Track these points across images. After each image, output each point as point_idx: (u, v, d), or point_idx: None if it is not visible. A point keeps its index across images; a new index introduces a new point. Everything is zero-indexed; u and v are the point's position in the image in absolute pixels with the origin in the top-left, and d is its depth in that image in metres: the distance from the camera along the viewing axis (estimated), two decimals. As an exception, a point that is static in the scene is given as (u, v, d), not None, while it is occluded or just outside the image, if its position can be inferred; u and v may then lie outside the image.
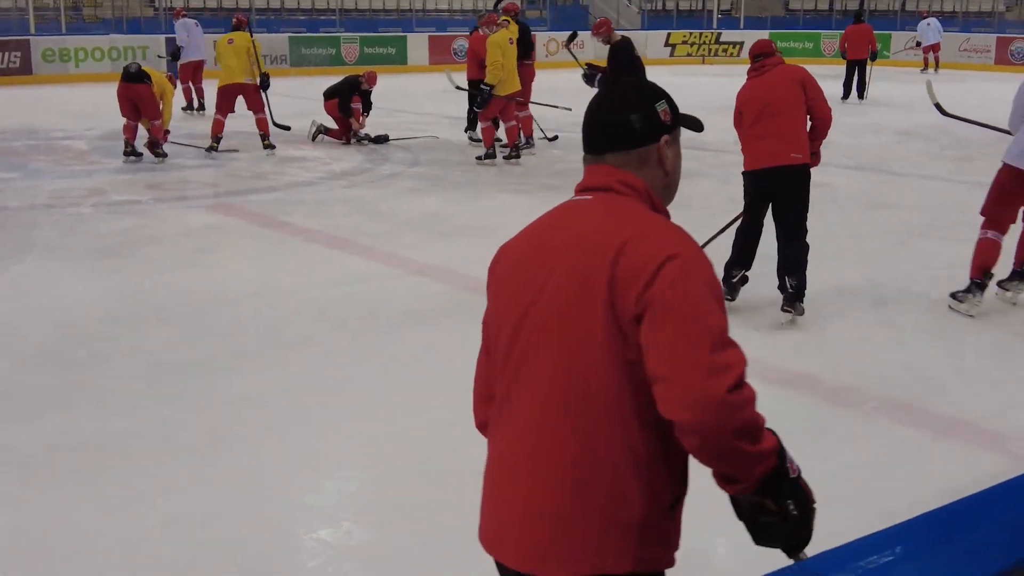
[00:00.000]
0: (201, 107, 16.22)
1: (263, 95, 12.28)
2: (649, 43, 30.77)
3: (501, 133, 11.90)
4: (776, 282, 5.75)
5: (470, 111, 13.30)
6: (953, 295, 6.03)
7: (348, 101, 13.02)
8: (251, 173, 11.19)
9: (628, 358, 1.74)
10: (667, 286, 1.72)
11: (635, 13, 32.85)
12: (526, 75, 12.26)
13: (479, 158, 11.64)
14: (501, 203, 9.58)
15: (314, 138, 13.30)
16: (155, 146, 11.45)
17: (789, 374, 4.42)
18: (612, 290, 1.75)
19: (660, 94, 2.02)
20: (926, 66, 26.50)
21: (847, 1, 34.39)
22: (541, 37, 29.73)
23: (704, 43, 32.25)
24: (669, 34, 31.45)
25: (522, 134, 12.06)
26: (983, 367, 5.25)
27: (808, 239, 5.73)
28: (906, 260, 7.37)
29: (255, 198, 9.83)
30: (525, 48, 12.46)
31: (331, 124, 13.34)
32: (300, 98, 18.09)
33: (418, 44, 26.42)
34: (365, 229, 8.41)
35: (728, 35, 32.54)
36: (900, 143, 13.60)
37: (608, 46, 10.62)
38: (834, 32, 31.94)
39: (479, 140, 13.14)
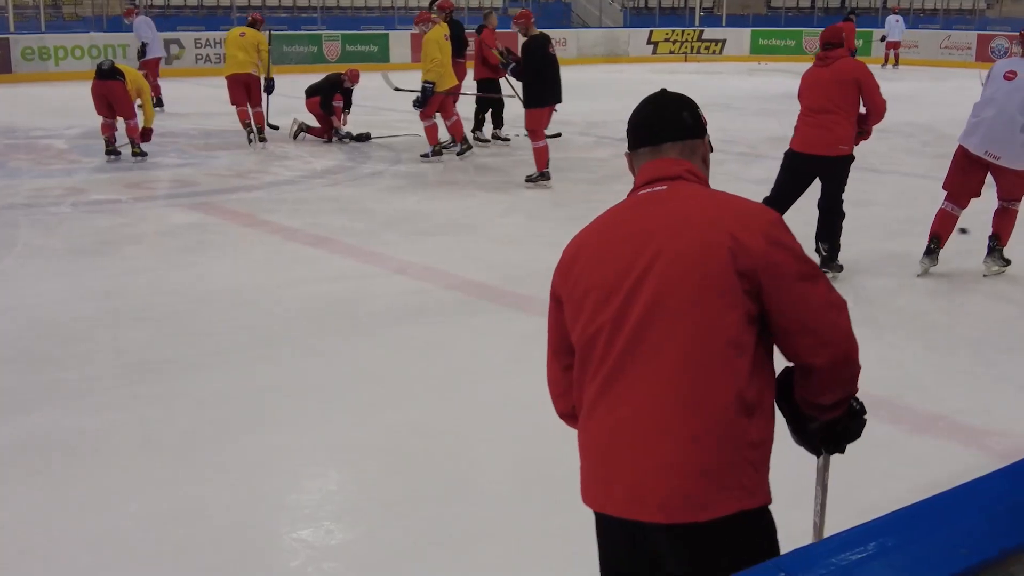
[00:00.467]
0: (159, 103, 15.97)
1: (265, 96, 12.55)
2: (632, 41, 30.85)
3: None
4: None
5: (477, 112, 13.33)
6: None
7: (330, 99, 13.00)
8: (232, 172, 11.15)
9: (748, 320, 1.97)
10: (782, 252, 1.99)
11: (617, 11, 32.88)
12: (459, 73, 12.50)
13: (424, 156, 11.78)
14: (481, 201, 9.59)
15: (296, 136, 13.27)
16: (137, 143, 11.40)
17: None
18: (735, 261, 1.96)
19: (695, 103, 2.28)
20: (886, 61, 26.86)
21: (829, -1, 34.56)
22: (523, 35, 29.77)
23: (686, 41, 32.30)
24: (651, 32, 31.50)
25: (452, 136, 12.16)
26: (961, 363, 5.27)
27: (798, 235, 5.76)
28: (885, 257, 7.40)
29: (236, 197, 9.80)
30: (459, 46, 12.62)
31: (313, 122, 13.30)
32: (282, 96, 18.03)
33: (400, 42, 26.34)
34: (346, 227, 8.40)
35: (710, 33, 32.60)
36: (879, 140, 13.58)
37: (524, 38, 10.68)
38: (815, 29, 32.08)
39: (486, 141, 13.21)
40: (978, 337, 5.66)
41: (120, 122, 11.34)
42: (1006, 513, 1.66)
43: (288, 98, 14.89)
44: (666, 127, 2.20)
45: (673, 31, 32.50)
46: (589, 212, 8.58)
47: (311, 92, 13.26)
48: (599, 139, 13.63)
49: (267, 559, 3.47)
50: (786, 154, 6.80)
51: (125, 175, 10.78)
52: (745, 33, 32.48)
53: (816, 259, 6.35)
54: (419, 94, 11.48)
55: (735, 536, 1.97)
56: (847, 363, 2.04)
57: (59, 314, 6.03)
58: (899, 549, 1.62)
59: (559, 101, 10.71)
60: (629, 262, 2.05)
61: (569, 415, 2.25)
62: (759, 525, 2.03)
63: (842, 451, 2.26)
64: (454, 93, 11.75)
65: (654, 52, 31.00)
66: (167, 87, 16.78)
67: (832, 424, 2.19)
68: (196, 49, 24.14)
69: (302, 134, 13.27)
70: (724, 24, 33.57)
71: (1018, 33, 7.67)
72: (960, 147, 6.89)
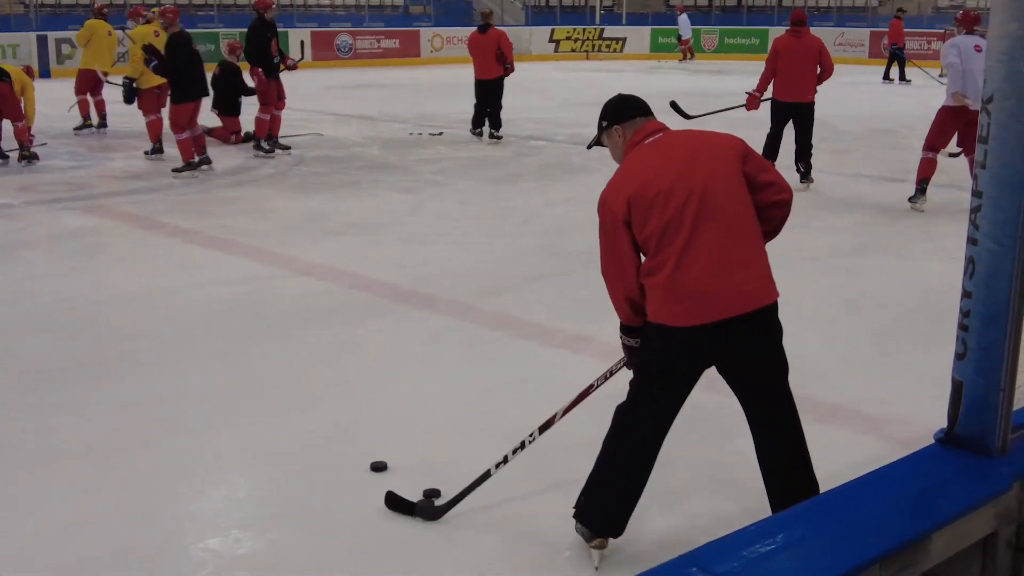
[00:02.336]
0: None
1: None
2: (534, 39, 30.97)
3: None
4: None
5: (478, 108, 13.27)
6: (909, 199, 9.05)
7: (232, 100, 12.77)
8: (127, 173, 10.88)
9: (747, 191, 3.20)
10: (752, 152, 3.29)
11: (519, 9, 33.00)
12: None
13: (145, 153, 11.83)
14: (387, 201, 9.52)
15: None
16: (26, 145, 11.06)
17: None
18: (741, 161, 3.21)
19: None
20: (684, 57, 27.85)
21: (725, -2, 35.17)
22: (425, 33, 29.77)
23: (588, 39, 32.58)
24: (553, 30, 31.70)
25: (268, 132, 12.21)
26: (862, 354, 5.40)
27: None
28: (787, 250, 7.52)
29: (133, 199, 9.57)
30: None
31: (212, 122, 13.02)
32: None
33: (300, 40, 26.01)
34: (248, 229, 8.26)
35: (611, 31, 32.93)
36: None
37: (168, 34, 10.82)
38: (712, 28, 32.64)
39: (493, 137, 13.22)
40: (878, 328, 5.80)
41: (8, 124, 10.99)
42: (908, 502, 1.71)
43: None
44: (640, 103, 3.42)
45: (574, 29, 32.74)
46: (497, 211, 8.61)
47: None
48: (505, 138, 13.64)
49: (174, 570, 3.39)
50: (773, 103, 10.04)
51: (16, 178, 10.46)
52: (645, 31, 32.88)
53: (796, 177, 9.83)
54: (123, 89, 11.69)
55: (775, 309, 3.24)
56: (791, 196, 3.32)
57: (-51, 324, 5.81)
58: (807, 540, 1.65)
59: (206, 95, 11.17)
60: (678, 173, 3.13)
61: (635, 296, 3.22)
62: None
63: None
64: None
65: (556, 50, 31.20)
66: (60, 87, 16.29)
67: None
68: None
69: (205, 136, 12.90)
70: (624, 22, 33.92)
71: (954, 19, 9.63)
72: (945, 109, 8.86)
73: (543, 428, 3.65)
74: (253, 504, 3.88)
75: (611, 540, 3.37)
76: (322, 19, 29.80)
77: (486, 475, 3.65)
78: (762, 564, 1.50)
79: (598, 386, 3.60)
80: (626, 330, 3.34)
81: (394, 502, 3.68)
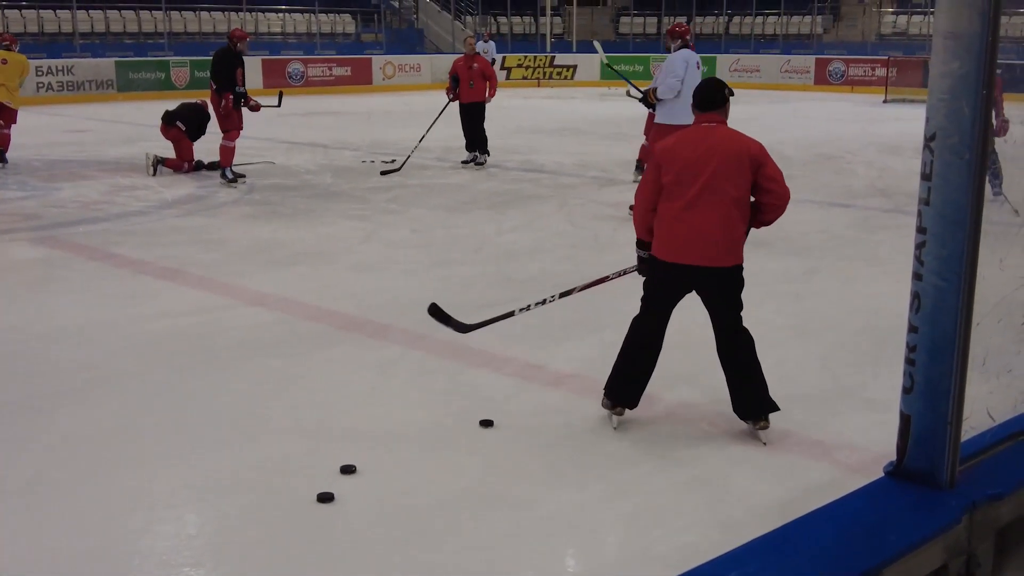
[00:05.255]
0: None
1: None
2: (485, 66, 31.05)
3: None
4: None
5: (469, 134, 13.50)
6: None
7: (198, 130, 12.78)
8: (77, 203, 10.75)
9: (747, 189, 4.34)
10: (767, 158, 4.35)
11: (469, 35, 33.12)
12: None
13: None
14: (340, 229, 9.48)
15: (155, 172, 12.62)
16: None
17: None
18: (753, 162, 4.31)
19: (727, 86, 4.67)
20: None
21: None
22: (377, 60, 29.81)
23: (539, 66, 32.80)
24: (504, 57, 31.84)
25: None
26: (809, 378, 5.45)
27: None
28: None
29: (82, 229, 9.45)
30: None
31: (166, 152, 12.90)
32: (129, 124, 17.56)
33: (251, 67, 25.90)
34: (198, 259, 8.19)
35: (561, 59, 33.18)
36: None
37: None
38: (663, 55, 33.00)
39: (481, 164, 13.44)
40: (825, 352, 5.86)
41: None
42: (859, 537, 1.72)
43: (135, 126, 14.50)
44: (718, 98, 4.50)
45: (526, 57, 32.97)
46: (448, 240, 8.61)
47: (168, 119, 12.83)
48: (455, 165, 13.67)
49: (121, 610, 3.32)
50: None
51: (-40, 209, 10.29)
52: (595, 58, 33.14)
53: None
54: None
55: (735, 273, 4.46)
56: (786, 203, 4.42)
57: None
58: None
59: None
60: (702, 152, 4.32)
61: (650, 217, 4.48)
62: (741, 271, 4.50)
63: None
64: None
65: (508, 77, 31.34)
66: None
67: None
68: (37, 77, 23.29)
69: (160, 167, 12.72)
70: (575, 50, 34.20)
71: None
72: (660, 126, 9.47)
73: (563, 294, 5.04)
74: (204, 540, 3.83)
75: (628, 411, 4.64)
76: (274, 47, 29.74)
77: (510, 313, 4.93)
78: (716, 602, 1.51)
79: (613, 278, 5.00)
80: (639, 244, 4.62)
81: (435, 312, 5.09)
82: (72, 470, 4.29)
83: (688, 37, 9.68)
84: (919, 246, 2.00)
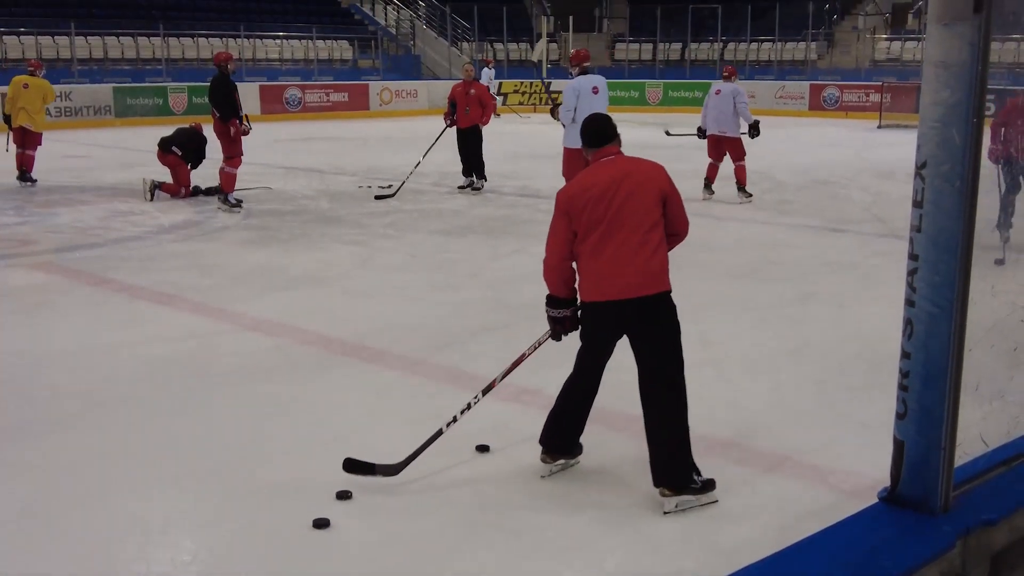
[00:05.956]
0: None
1: None
2: (481, 92, 31.16)
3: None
4: None
5: (466, 159, 13.53)
6: None
7: (197, 155, 12.82)
8: (74, 229, 10.76)
9: (661, 214, 4.11)
10: (674, 188, 4.18)
11: (467, 62, 33.27)
12: None
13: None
14: (335, 255, 9.50)
15: (152, 197, 12.67)
16: None
17: (622, 416, 4.51)
18: (659, 190, 4.12)
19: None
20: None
21: (669, 52, 35.74)
22: (374, 86, 29.92)
23: (535, 92, 32.93)
24: (500, 83, 31.97)
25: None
26: (805, 403, 5.45)
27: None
28: (729, 300, 7.64)
29: (79, 255, 9.46)
30: None
31: (163, 177, 12.92)
32: (126, 149, 17.60)
33: (249, 94, 26.03)
34: (195, 284, 8.19)
35: (558, 84, 33.27)
36: (720, 188, 14.14)
37: None
38: (657, 81, 33.15)
39: (478, 189, 13.48)
40: (821, 377, 5.87)
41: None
42: (855, 563, 1.72)
43: (133, 152, 14.53)
44: (610, 133, 4.30)
45: (522, 83, 33.11)
46: (445, 264, 8.61)
47: (165, 145, 12.87)
48: (452, 190, 13.70)
49: (116, 637, 3.31)
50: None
51: (-42, 234, 10.30)
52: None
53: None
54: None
55: (664, 300, 4.11)
56: (687, 230, 4.28)
57: None
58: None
59: None
60: (613, 184, 4.08)
61: (565, 269, 4.20)
62: (669, 296, 4.15)
63: None
64: None
65: (504, 103, 31.45)
66: (5, 141, 16.14)
67: None
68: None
69: (156, 191, 12.75)
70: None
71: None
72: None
73: (486, 391, 4.50)
74: (198, 566, 3.82)
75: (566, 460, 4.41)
76: (271, 73, 29.86)
77: (438, 433, 4.35)
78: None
79: (529, 355, 4.49)
80: (550, 301, 4.29)
81: (354, 465, 4.26)
82: (66, 495, 4.28)
83: (586, 63, 10.73)
84: (911, 272, 2.02)
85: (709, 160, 12.88)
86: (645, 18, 35.71)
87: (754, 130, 12.76)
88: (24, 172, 13.95)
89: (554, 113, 11.34)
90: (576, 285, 4.22)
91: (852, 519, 1.92)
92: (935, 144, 1.98)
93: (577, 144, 9.58)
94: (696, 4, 34.37)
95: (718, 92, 12.81)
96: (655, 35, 35.43)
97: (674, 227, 4.18)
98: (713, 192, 12.82)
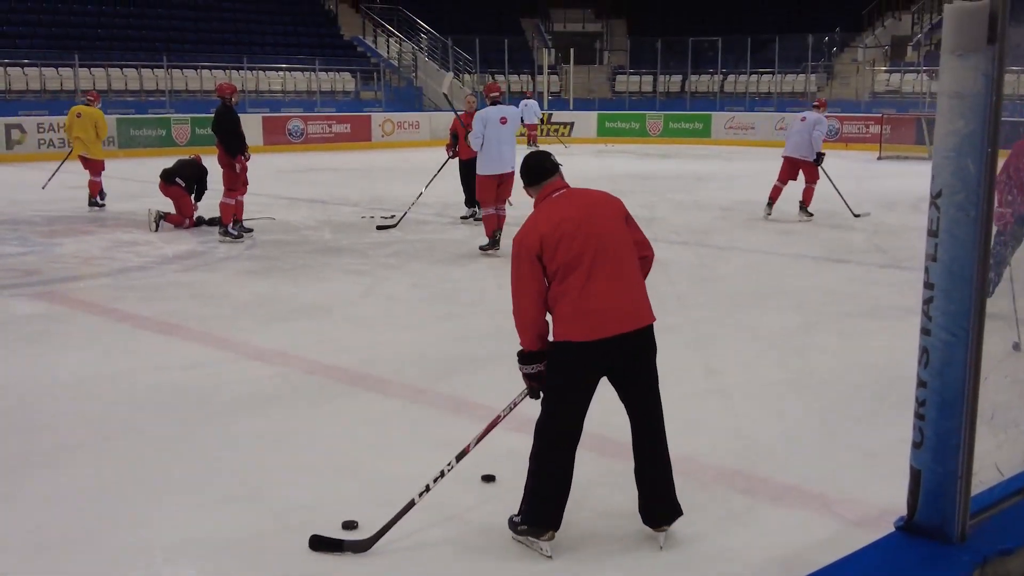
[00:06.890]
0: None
1: None
2: (483, 123, 31.28)
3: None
4: None
5: (468, 190, 13.51)
6: None
7: (200, 186, 12.89)
8: (78, 259, 10.77)
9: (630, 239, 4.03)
10: (629, 215, 4.11)
11: (469, 93, 33.41)
12: None
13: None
14: (339, 285, 9.50)
15: (157, 227, 12.65)
16: None
17: (626, 447, 4.49)
18: (624, 219, 4.05)
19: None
20: (529, 143, 25.98)
21: (669, 84, 35.90)
22: (376, 118, 30.04)
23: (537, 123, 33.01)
24: (550, 114, 32.17)
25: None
26: (810, 432, 5.44)
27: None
28: (734, 329, 7.64)
29: (83, 284, 9.46)
30: None
31: (167, 208, 12.94)
32: (130, 180, 17.66)
33: (252, 125, 26.14)
34: (198, 313, 8.19)
35: (559, 116, 33.46)
36: (722, 218, 14.18)
37: None
38: (658, 113, 33.28)
39: (480, 219, 13.35)
40: (826, 406, 5.86)
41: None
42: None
43: (137, 183, 14.58)
44: (552, 167, 4.17)
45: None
46: (448, 294, 8.62)
47: (167, 176, 12.90)
48: (454, 220, 13.73)
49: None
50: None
51: (-40, 264, 10.30)
52: (592, 116, 33.44)
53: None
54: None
55: (651, 332, 3.97)
56: (653, 252, 4.19)
57: None
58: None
59: None
60: (581, 218, 3.91)
61: (542, 324, 4.01)
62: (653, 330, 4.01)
63: None
64: None
65: (546, 135, 31.55)
66: (8, 172, 16.23)
67: None
68: (39, 134, 23.53)
69: (161, 221, 12.76)
70: (572, 108, 34.49)
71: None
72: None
73: (459, 457, 4.22)
74: (204, 598, 3.79)
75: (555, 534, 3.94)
76: (274, 104, 29.99)
77: (411, 504, 4.07)
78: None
79: (505, 416, 4.28)
80: (525, 358, 4.06)
81: (320, 543, 3.95)
82: (71, 526, 4.26)
83: (495, 95, 11.70)
84: (927, 301, 2.02)
85: (775, 182, 13.64)
86: (645, 50, 35.89)
87: (818, 159, 13.40)
88: (90, 197, 14.59)
89: (448, 149, 13.12)
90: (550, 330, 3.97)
91: (870, 548, 1.91)
92: (950, 173, 1.98)
93: (486, 171, 11.06)
94: (696, 37, 34.56)
95: (803, 119, 13.58)
96: (655, 67, 35.60)
97: (643, 250, 4.07)
98: (771, 213, 13.65)
